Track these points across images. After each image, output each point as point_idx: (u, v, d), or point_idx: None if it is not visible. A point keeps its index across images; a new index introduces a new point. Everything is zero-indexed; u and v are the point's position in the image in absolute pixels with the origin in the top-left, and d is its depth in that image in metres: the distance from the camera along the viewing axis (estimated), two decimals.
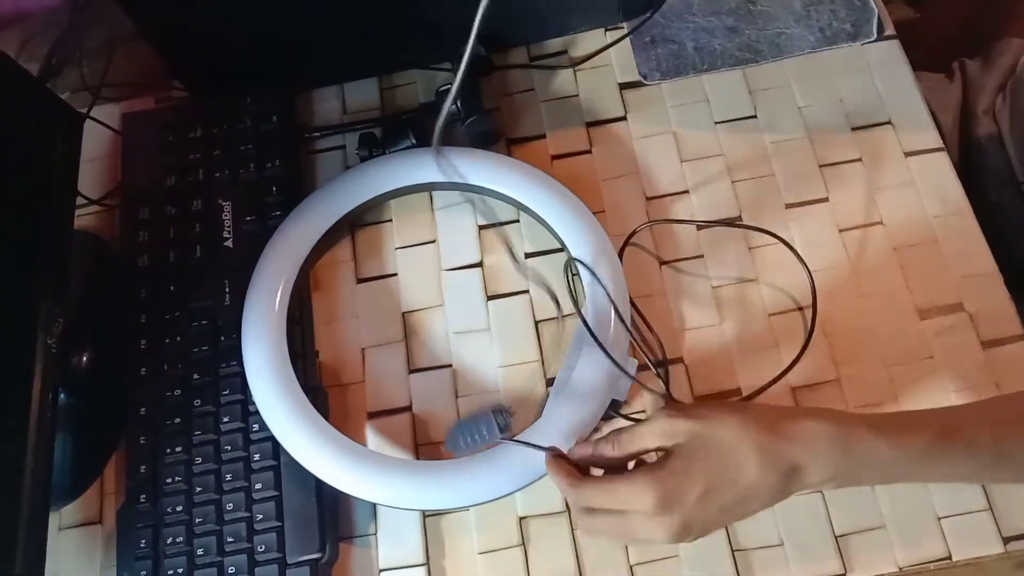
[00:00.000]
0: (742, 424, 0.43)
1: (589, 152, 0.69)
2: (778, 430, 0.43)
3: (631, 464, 0.48)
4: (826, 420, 0.44)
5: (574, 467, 0.49)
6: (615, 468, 0.48)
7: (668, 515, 0.43)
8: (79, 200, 0.67)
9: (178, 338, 0.62)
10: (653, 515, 0.43)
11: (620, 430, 0.47)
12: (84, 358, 0.63)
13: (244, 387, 0.60)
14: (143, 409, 0.61)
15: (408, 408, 0.62)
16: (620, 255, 0.63)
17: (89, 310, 0.64)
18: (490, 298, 0.64)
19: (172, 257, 0.65)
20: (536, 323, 0.63)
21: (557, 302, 0.63)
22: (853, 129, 0.68)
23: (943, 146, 0.67)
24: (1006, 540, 0.55)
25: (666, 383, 0.59)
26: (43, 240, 0.60)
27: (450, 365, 0.63)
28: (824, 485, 0.44)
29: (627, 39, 0.72)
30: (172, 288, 0.64)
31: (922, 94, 0.69)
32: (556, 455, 0.50)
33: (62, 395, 0.61)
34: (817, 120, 0.68)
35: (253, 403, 0.59)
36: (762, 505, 0.44)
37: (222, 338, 0.62)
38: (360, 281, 0.66)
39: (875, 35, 0.70)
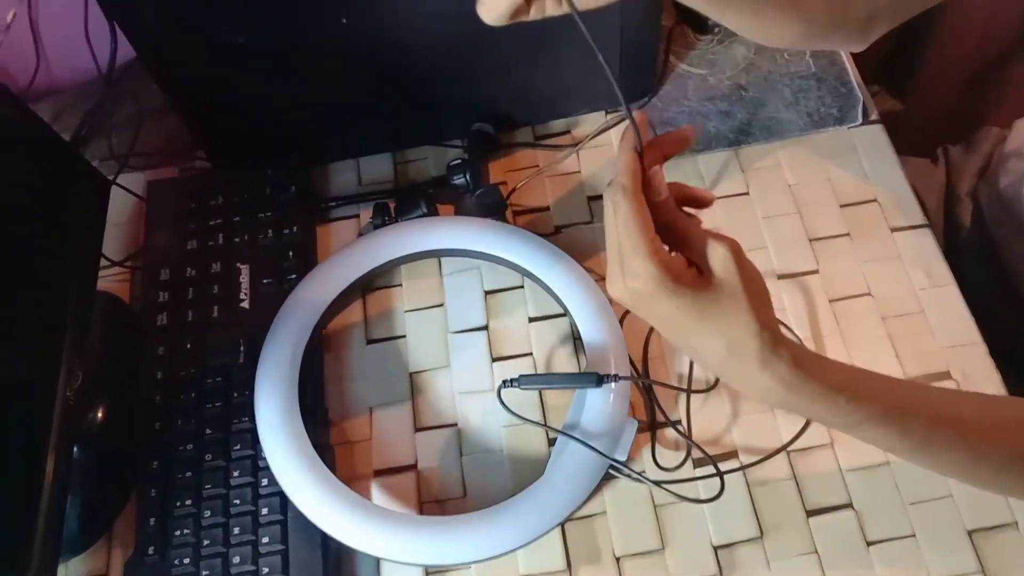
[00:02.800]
0: (744, 327, 0.43)
1: (590, 223, 0.72)
2: (749, 375, 0.44)
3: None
4: (783, 386, 0.44)
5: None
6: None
7: (636, 295, 0.44)
8: (103, 262, 0.70)
9: (193, 394, 0.64)
10: (631, 283, 0.43)
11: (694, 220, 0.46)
12: (100, 412, 0.65)
13: (255, 442, 0.62)
14: (155, 463, 0.62)
15: (413, 466, 0.64)
16: (621, 321, 0.66)
17: (107, 366, 0.66)
18: (495, 360, 0.67)
19: (190, 316, 0.68)
20: None
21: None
22: (841, 206, 0.71)
23: (927, 223, 0.71)
24: None
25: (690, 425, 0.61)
26: (67, 298, 0.63)
27: (455, 424, 0.65)
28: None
29: (626, 120, 0.76)
30: (189, 346, 0.66)
31: (906, 175, 0.74)
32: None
33: (76, 449, 0.62)
34: (807, 197, 0.72)
35: (263, 458, 0.61)
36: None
37: (235, 395, 0.64)
38: (370, 342, 0.69)
39: (860, 120, 0.75)
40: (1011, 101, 1.05)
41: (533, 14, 0.45)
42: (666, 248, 0.44)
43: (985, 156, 0.86)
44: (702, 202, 0.49)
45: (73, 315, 0.63)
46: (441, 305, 0.70)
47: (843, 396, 0.45)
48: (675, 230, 0.45)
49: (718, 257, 0.43)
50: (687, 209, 0.48)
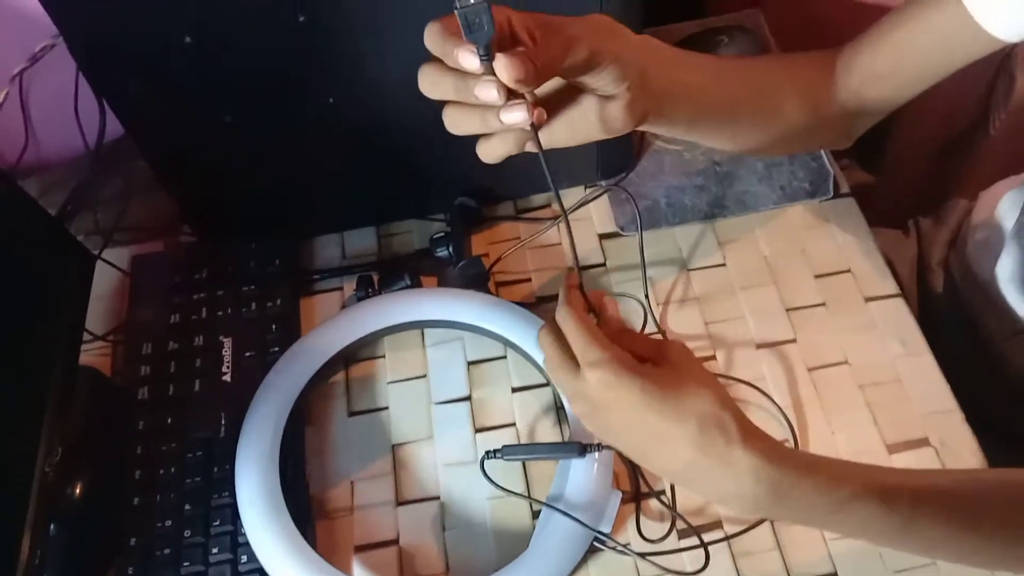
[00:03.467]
0: (711, 409, 0.44)
1: None
2: (723, 453, 0.44)
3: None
4: (765, 460, 0.44)
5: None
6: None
7: (593, 389, 0.45)
8: (85, 336, 0.70)
9: (172, 469, 0.64)
10: (599, 375, 0.45)
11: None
12: (79, 488, 0.64)
13: (235, 518, 0.61)
14: (134, 539, 0.61)
15: (395, 541, 0.63)
16: None
17: (87, 440, 0.66)
18: (478, 431, 0.67)
19: (172, 390, 0.67)
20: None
21: None
22: (816, 276, 0.73)
23: (900, 292, 0.73)
24: None
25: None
26: (49, 372, 0.63)
27: (438, 497, 0.65)
28: (743, 511, 0.47)
29: (605, 195, 0.79)
30: (169, 420, 0.66)
31: (879, 246, 0.76)
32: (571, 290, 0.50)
33: (53, 526, 0.61)
34: (782, 268, 0.74)
35: (243, 534, 0.60)
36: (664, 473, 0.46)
37: (216, 469, 0.64)
38: (352, 414, 0.69)
39: (832, 193, 0.77)
40: (976, 174, 1.09)
41: (524, 149, 0.47)
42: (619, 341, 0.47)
43: (954, 228, 0.88)
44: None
45: (54, 389, 0.63)
46: (424, 376, 0.70)
47: (824, 474, 0.45)
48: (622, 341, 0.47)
49: (674, 348, 0.45)
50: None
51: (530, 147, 0.46)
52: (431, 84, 0.44)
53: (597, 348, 0.44)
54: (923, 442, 0.65)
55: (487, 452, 0.60)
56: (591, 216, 0.78)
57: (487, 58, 0.41)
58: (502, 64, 0.40)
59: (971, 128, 1.13)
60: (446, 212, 0.77)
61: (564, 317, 0.47)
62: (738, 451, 0.44)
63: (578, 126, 0.48)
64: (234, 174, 0.70)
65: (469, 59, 0.41)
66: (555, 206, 0.49)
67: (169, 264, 0.75)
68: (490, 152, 0.47)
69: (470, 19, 0.40)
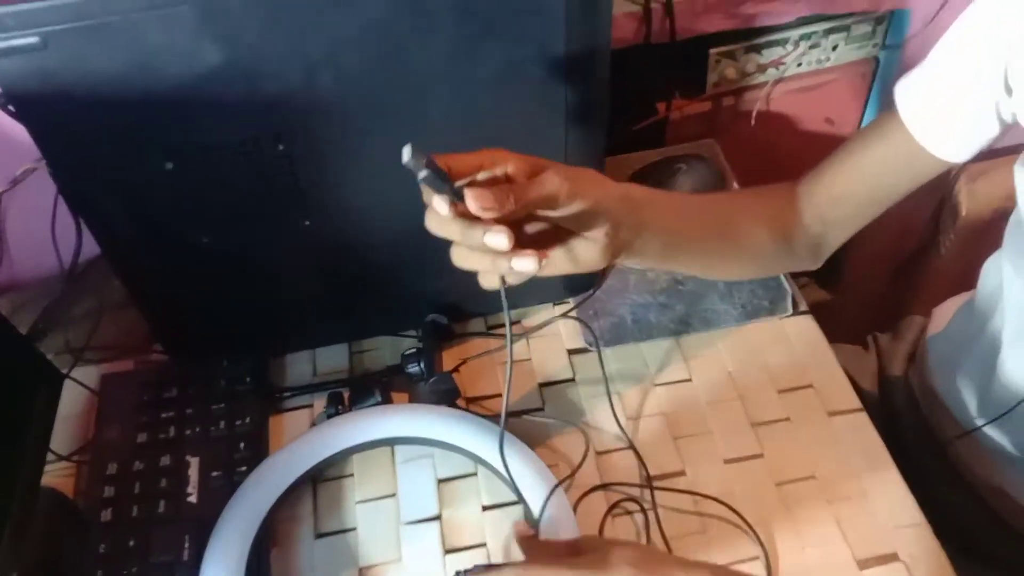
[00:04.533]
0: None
1: (542, 409, 0.74)
2: None
3: None
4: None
5: None
6: None
7: None
8: (49, 456, 0.69)
9: None
10: None
11: None
12: None
13: None
14: None
15: None
16: (575, 507, 0.66)
17: (45, 565, 0.64)
18: (448, 551, 0.66)
19: (135, 512, 0.66)
20: None
21: None
22: (779, 391, 0.75)
23: (862, 407, 0.74)
24: None
25: None
26: (9, 495, 0.61)
27: None
28: None
29: (573, 312, 0.81)
30: (132, 543, 0.64)
31: (840, 361, 0.78)
32: None
33: None
34: (746, 383, 0.75)
35: None
36: None
37: None
38: (319, 536, 0.67)
39: (790, 311, 0.80)
40: (930, 290, 1.13)
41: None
42: None
43: (911, 342, 0.91)
44: None
45: (14, 513, 0.61)
46: (393, 495, 0.69)
47: None
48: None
49: (587, 540, 0.51)
50: None
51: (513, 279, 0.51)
52: (438, 226, 0.48)
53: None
54: (893, 557, 0.65)
55: (457, 572, 0.59)
56: (560, 333, 0.80)
57: (455, 197, 0.45)
58: (470, 196, 0.45)
59: (922, 248, 1.18)
60: (417, 328, 0.78)
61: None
62: None
63: (558, 263, 0.53)
64: (208, 293, 0.71)
65: (498, 239, 0.46)
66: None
67: (138, 382, 0.75)
68: (489, 282, 0.51)
69: (429, 183, 0.45)
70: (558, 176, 0.48)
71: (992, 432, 0.72)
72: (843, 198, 0.67)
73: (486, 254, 0.48)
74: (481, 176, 0.48)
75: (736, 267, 0.69)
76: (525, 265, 0.48)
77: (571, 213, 0.49)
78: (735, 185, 0.91)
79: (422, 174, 0.44)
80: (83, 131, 0.56)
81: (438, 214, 0.47)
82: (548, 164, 0.49)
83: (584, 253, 0.52)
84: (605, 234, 0.51)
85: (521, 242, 0.47)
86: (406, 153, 0.43)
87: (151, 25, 0.51)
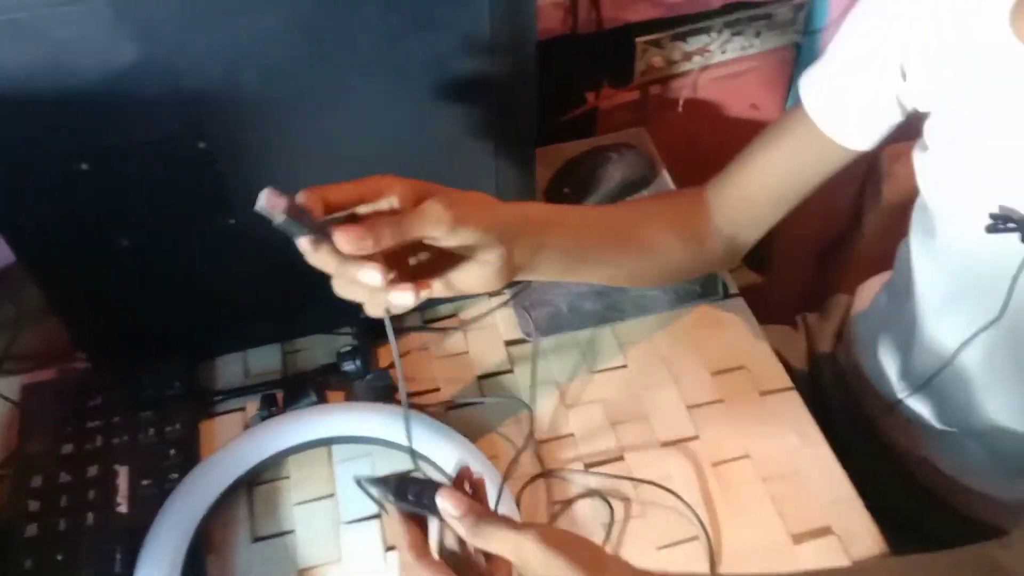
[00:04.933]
0: None
1: (482, 403, 0.74)
2: None
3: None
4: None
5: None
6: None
7: None
8: None
9: None
10: None
11: (486, 521, 0.46)
12: None
13: None
14: None
15: None
16: (517, 501, 0.66)
17: None
18: (389, 549, 0.65)
19: (62, 525, 0.64)
20: None
21: None
22: (712, 374, 0.76)
23: (793, 386, 0.76)
24: None
25: None
26: None
27: None
28: None
29: (509, 303, 0.81)
30: (59, 557, 0.62)
31: (770, 341, 0.80)
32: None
33: None
34: (680, 367, 0.77)
35: None
36: None
37: None
38: (256, 540, 0.66)
39: (721, 295, 0.82)
40: (855, 270, 1.16)
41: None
42: None
43: (838, 321, 0.94)
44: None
45: None
46: (332, 495, 0.68)
47: None
48: (485, 537, 0.47)
49: (530, 555, 0.45)
50: None
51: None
52: (314, 260, 0.47)
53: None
54: (826, 531, 0.67)
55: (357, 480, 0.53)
56: (496, 324, 0.80)
57: (318, 234, 0.44)
58: (338, 235, 0.44)
59: (847, 230, 1.22)
60: (352, 326, 0.77)
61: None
62: None
63: (454, 285, 0.52)
64: (130, 297, 0.69)
65: (371, 275, 0.45)
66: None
67: (61, 392, 0.72)
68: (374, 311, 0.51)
69: (286, 228, 0.44)
70: (440, 205, 0.47)
71: (913, 405, 0.74)
72: (755, 197, 0.68)
73: (364, 287, 0.47)
74: (362, 210, 0.47)
75: (645, 274, 0.69)
76: (403, 299, 0.48)
77: (457, 242, 0.49)
78: (665, 173, 0.92)
79: (278, 220, 0.42)
80: None
81: (314, 256, 0.46)
82: (436, 189, 0.48)
83: (477, 276, 0.51)
84: (499, 257, 0.51)
85: (405, 268, 0.47)
86: (260, 200, 0.42)
87: (63, 20, 0.49)
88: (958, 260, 0.64)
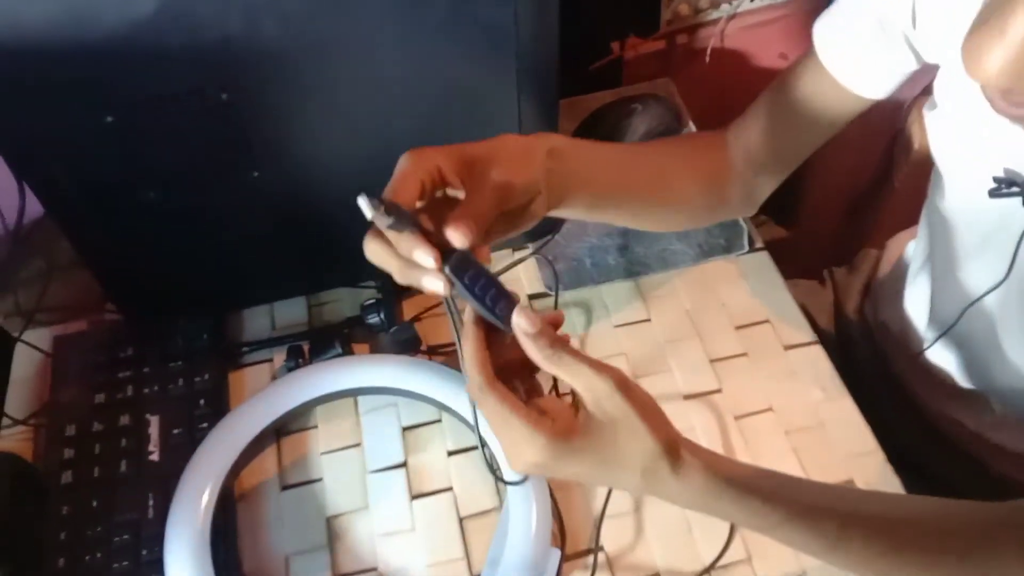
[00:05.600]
0: (650, 453, 0.45)
1: None
2: (664, 490, 0.46)
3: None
4: (700, 493, 0.47)
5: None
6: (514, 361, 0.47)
7: (541, 467, 0.45)
8: (5, 420, 0.68)
9: (99, 554, 0.62)
10: (530, 458, 0.44)
11: (564, 349, 0.44)
12: None
13: None
14: None
15: None
16: None
17: (7, 530, 0.63)
18: (415, 497, 0.66)
19: (96, 473, 0.66)
20: (461, 520, 0.65)
21: None
22: (736, 328, 0.76)
23: (817, 340, 0.76)
24: None
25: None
26: None
27: (375, 569, 0.64)
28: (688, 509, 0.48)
29: (532, 257, 0.81)
30: (95, 503, 0.64)
31: (795, 297, 0.79)
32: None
33: None
34: (704, 321, 0.76)
35: None
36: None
37: (144, 552, 0.62)
38: (285, 488, 0.67)
39: (746, 248, 0.81)
40: (884, 225, 1.15)
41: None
42: (546, 413, 0.45)
43: (866, 276, 0.93)
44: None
45: None
46: (358, 445, 0.69)
47: (758, 498, 0.47)
48: (561, 365, 0.45)
49: (604, 397, 0.44)
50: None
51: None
52: (376, 258, 0.46)
53: (524, 442, 0.44)
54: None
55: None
56: (520, 278, 0.80)
57: (415, 228, 0.43)
58: (454, 236, 0.43)
59: (877, 183, 1.20)
60: (377, 279, 0.78)
61: (480, 400, 0.46)
62: (676, 485, 0.46)
63: (489, 232, 0.50)
64: (158, 250, 0.70)
65: (425, 260, 0.43)
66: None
67: (92, 343, 0.73)
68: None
69: (395, 228, 0.42)
70: (498, 178, 0.46)
71: (935, 360, 0.74)
72: (771, 143, 0.67)
73: (406, 267, 0.45)
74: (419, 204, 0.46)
75: (666, 217, 0.68)
76: (435, 286, 0.45)
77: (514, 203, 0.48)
78: (691, 124, 0.91)
79: (387, 223, 0.42)
80: (17, 86, 0.54)
81: (376, 250, 0.45)
82: (472, 151, 0.48)
83: (510, 221, 0.50)
84: (537, 201, 0.50)
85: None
86: (365, 207, 0.41)
87: None
88: (967, 220, 0.63)
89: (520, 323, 0.44)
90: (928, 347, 0.73)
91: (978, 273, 0.63)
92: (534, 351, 0.45)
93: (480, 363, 0.45)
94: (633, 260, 0.80)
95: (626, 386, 0.44)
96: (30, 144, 0.59)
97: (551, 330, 0.45)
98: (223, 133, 0.61)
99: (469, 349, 0.46)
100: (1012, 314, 0.62)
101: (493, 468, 0.65)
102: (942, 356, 0.73)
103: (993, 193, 0.54)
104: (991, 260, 0.60)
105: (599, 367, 0.45)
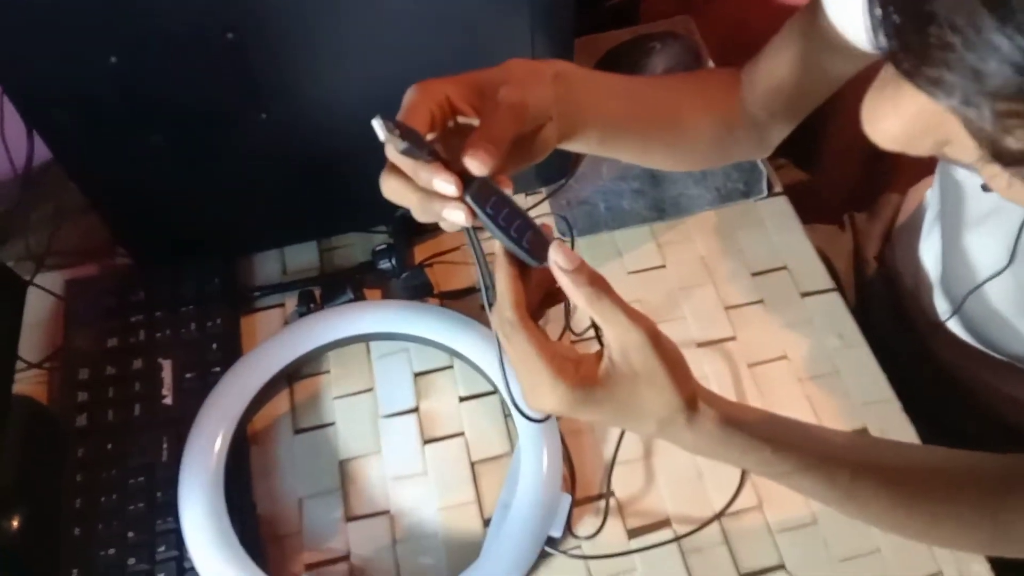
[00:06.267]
0: (669, 407, 0.44)
1: None
2: (680, 437, 0.46)
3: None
4: (715, 442, 0.46)
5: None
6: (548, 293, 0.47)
7: (558, 412, 0.44)
8: (19, 364, 0.68)
9: (114, 496, 0.62)
10: (549, 404, 0.44)
11: (604, 290, 0.43)
12: (16, 521, 0.62)
13: (180, 543, 0.60)
14: (75, 570, 0.60)
15: (346, 557, 0.62)
16: None
17: (23, 472, 0.64)
18: (426, 442, 0.67)
19: (110, 416, 0.66)
20: (472, 464, 0.66)
21: None
22: (753, 274, 0.75)
23: (835, 287, 0.74)
24: None
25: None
26: None
27: (388, 511, 0.64)
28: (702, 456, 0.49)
29: (545, 201, 0.79)
30: (109, 446, 0.65)
31: (814, 243, 0.77)
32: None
33: None
34: (719, 267, 0.75)
35: (188, 559, 0.59)
36: None
37: (159, 494, 0.62)
38: (298, 432, 0.68)
39: (765, 192, 0.79)
40: (907, 170, 1.12)
41: None
42: (568, 358, 0.44)
43: (887, 222, 0.91)
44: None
45: None
46: (370, 390, 0.69)
47: (770, 448, 0.47)
48: (599, 308, 0.44)
49: (633, 349, 0.43)
50: None
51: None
52: (394, 195, 0.45)
53: (546, 386, 0.44)
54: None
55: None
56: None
57: (429, 156, 0.41)
58: (473, 163, 0.41)
59: None
60: (388, 224, 0.77)
61: (508, 335, 0.45)
62: (690, 435, 0.46)
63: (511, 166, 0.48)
64: (167, 194, 0.69)
65: (445, 187, 0.42)
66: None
67: (104, 287, 0.73)
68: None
69: (410, 154, 0.41)
70: (511, 98, 0.44)
71: (951, 325, 0.72)
72: (782, 88, 0.64)
73: (427, 201, 0.44)
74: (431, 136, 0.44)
75: (676, 155, 0.65)
76: (456, 218, 0.44)
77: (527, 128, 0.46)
78: (711, 63, 0.88)
79: (402, 147, 0.40)
80: (19, 27, 0.53)
81: (394, 185, 0.44)
82: (480, 77, 0.46)
83: (529, 145, 0.48)
84: (546, 124, 0.48)
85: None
86: (379, 129, 0.39)
87: None
88: (974, 184, 0.61)
89: (557, 259, 0.43)
90: (946, 316, 0.72)
91: (983, 249, 0.61)
92: (572, 289, 0.43)
93: (514, 299, 0.44)
94: (648, 205, 0.78)
95: (656, 340, 0.43)
96: (37, 88, 0.58)
97: (589, 267, 0.43)
98: (229, 74, 0.59)
99: (503, 283, 0.44)
100: (1013, 298, 0.61)
101: (506, 414, 0.65)
102: (956, 323, 0.72)
103: (986, 187, 0.52)
104: (994, 241, 0.58)
105: (634, 316, 0.43)
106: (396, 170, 0.44)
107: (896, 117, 0.34)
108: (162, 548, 0.60)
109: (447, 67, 0.47)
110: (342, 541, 0.63)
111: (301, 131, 0.65)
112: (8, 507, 0.62)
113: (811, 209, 0.82)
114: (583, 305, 0.43)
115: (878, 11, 0.32)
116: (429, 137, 0.44)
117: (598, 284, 0.43)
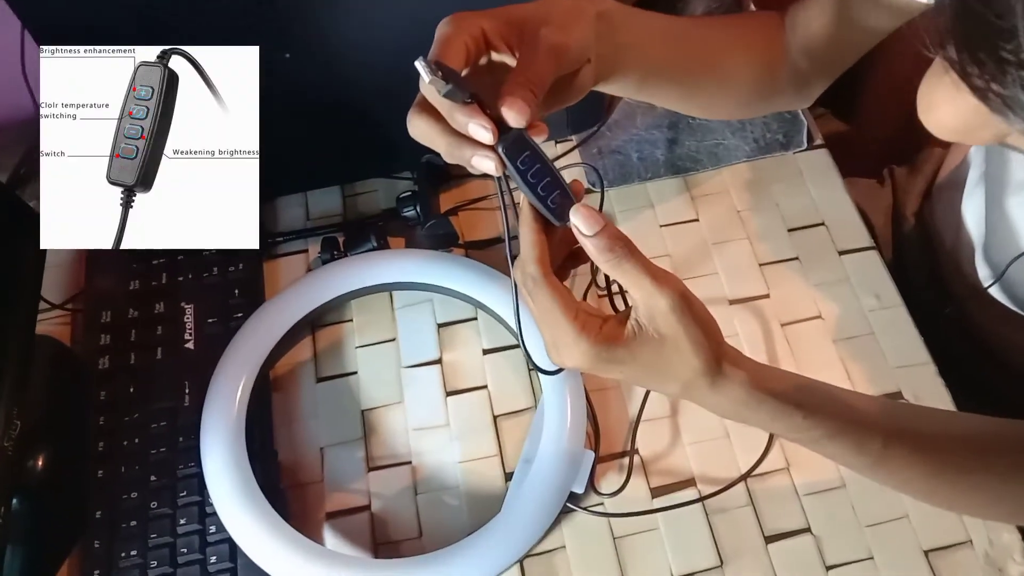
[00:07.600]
0: (692, 370, 0.43)
1: None
2: (706, 398, 0.45)
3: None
4: (743, 406, 0.45)
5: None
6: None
7: (580, 368, 0.44)
8: (42, 305, 0.68)
9: (136, 440, 0.62)
10: (571, 360, 0.44)
11: (626, 254, 0.42)
12: (40, 461, 0.62)
13: (202, 488, 0.60)
14: (99, 512, 0.60)
15: (367, 507, 0.62)
16: None
17: (47, 413, 0.64)
18: (449, 394, 0.66)
19: (133, 359, 0.66)
20: (495, 418, 0.65)
21: None
22: (789, 230, 0.72)
23: (874, 245, 0.72)
24: None
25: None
26: (5, 342, 0.61)
27: (409, 462, 0.64)
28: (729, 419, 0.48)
29: (576, 150, 0.77)
30: (132, 390, 0.64)
31: (852, 197, 0.75)
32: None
33: (15, 501, 0.60)
34: (755, 222, 0.73)
35: (211, 504, 0.59)
36: None
37: (181, 439, 0.62)
38: (320, 380, 0.67)
39: (805, 145, 0.76)
40: None
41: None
42: (592, 315, 0.43)
43: (928, 177, 0.88)
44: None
45: (11, 361, 0.61)
46: (393, 340, 0.69)
47: (800, 413, 0.45)
48: (621, 272, 0.42)
49: (659, 314, 0.42)
50: None
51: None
52: (422, 135, 0.43)
53: (570, 343, 0.43)
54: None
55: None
56: (562, 173, 0.76)
57: (470, 100, 0.40)
58: (511, 114, 0.40)
59: None
60: (413, 170, 0.75)
61: (532, 291, 0.44)
62: (714, 398, 0.45)
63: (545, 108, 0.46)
64: None
65: (482, 134, 0.41)
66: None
67: None
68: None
69: (452, 96, 0.40)
70: (551, 39, 0.42)
71: (993, 290, 0.70)
72: (825, 39, 0.61)
73: (455, 144, 0.43)
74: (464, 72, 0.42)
75: (716, 100, 0.63)
76: (486, 166, 0.43)
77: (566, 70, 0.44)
78: (751, 5, 0.84)
79: (445, 89, 0.39)
80: None
81: (422, 127, 0.43)
82: (519, 13, 0.44)
83: (567, 85, 0.46)
84: (587, 62, 0.46)
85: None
86: (423, 71, 0.38)
87: None
88: (1020, 160, 0.57)
89: (578, 223, 0.42)
90: (988, 281, 0.69)
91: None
92: (595, 254, 0.42)
93: (539, 253, 0.43)
94: (683, 155, 0.75)
95: (684, 304, 0.42)
96: (54, 15, 0.56)
97: (613, 230, 0.42)
98: (252, 11, 0.57)
99: (528, 237, 0.44)
100: None
101: (529, 368, 0.64)
102: (997, 289, 0.69)
103: None
104: None
105: (660, 280, 0.42)
106: (426, 109, 0.42)
107: (953, 108, 0.33)
108: (184, 493, 0.60)
109: (478, 2, 0.44)
110: (363, 490, 0.63)
111: (326, 72, 0.63)
112: (34, 446, 0.62)
113: (850, 162, 0.79)
114: (607, 270, 0.43)
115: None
116: (462, 74, 0.42)
117: (621, 247, 0.42)
